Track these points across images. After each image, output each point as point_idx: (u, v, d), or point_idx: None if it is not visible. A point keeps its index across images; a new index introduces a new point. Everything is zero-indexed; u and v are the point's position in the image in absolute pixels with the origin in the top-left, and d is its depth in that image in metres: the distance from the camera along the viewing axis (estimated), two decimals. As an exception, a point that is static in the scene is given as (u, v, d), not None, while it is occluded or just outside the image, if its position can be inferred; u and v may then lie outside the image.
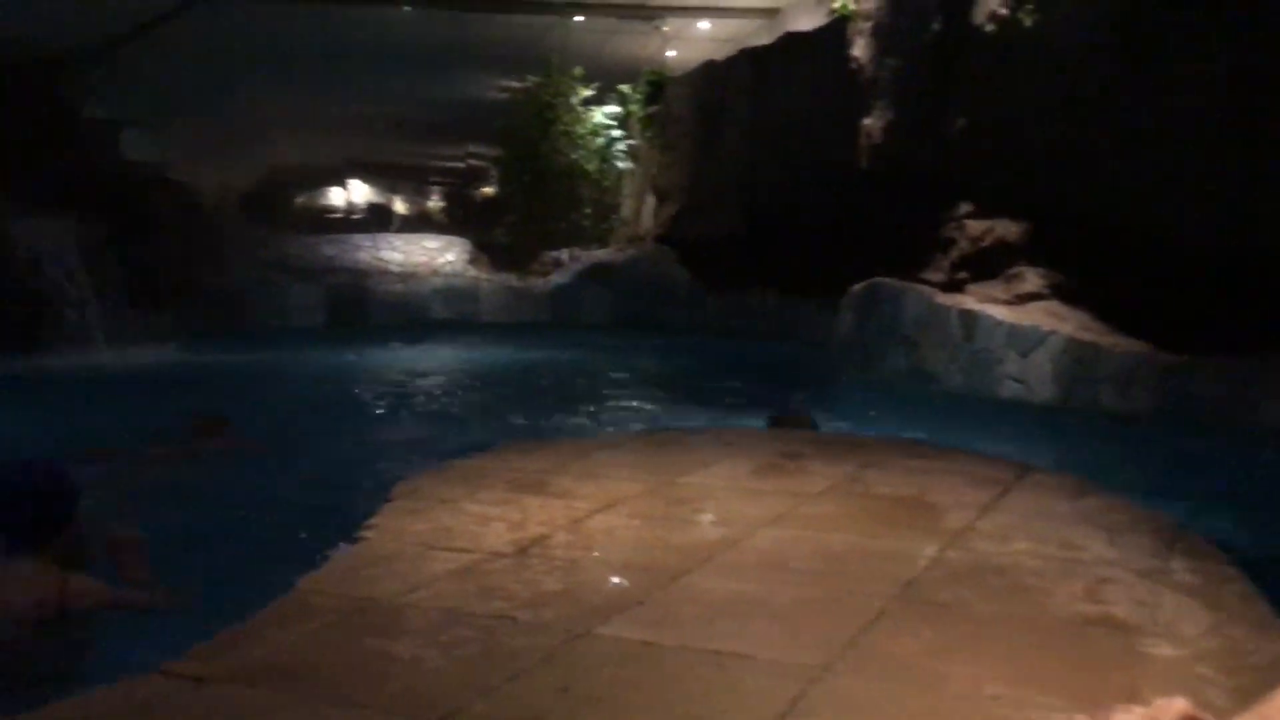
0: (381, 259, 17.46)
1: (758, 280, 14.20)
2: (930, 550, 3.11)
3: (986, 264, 9.46)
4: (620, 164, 18.28)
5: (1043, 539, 3.23)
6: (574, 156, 17.97)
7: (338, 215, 37.81)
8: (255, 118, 21.42)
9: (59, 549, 3.28)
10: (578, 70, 17.13)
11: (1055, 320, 8.58)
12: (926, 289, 9.77)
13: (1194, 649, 2.37)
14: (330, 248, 17.82)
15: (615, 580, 2.89)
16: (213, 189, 19.39)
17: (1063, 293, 8.78)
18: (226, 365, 11.91)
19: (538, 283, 17.13)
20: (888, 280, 10.17)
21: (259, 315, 15.52)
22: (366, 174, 39.72)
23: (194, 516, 4.50)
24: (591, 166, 18.10)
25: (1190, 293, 7.97)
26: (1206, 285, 7.92)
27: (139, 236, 14.01)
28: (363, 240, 18.39)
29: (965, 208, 9.87)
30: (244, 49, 15.50)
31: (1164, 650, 2.37)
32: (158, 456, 5.84)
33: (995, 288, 9.29)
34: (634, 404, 9.10)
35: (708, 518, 3.57)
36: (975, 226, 9.67)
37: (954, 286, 9.63)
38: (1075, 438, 7.40)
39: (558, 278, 17.04)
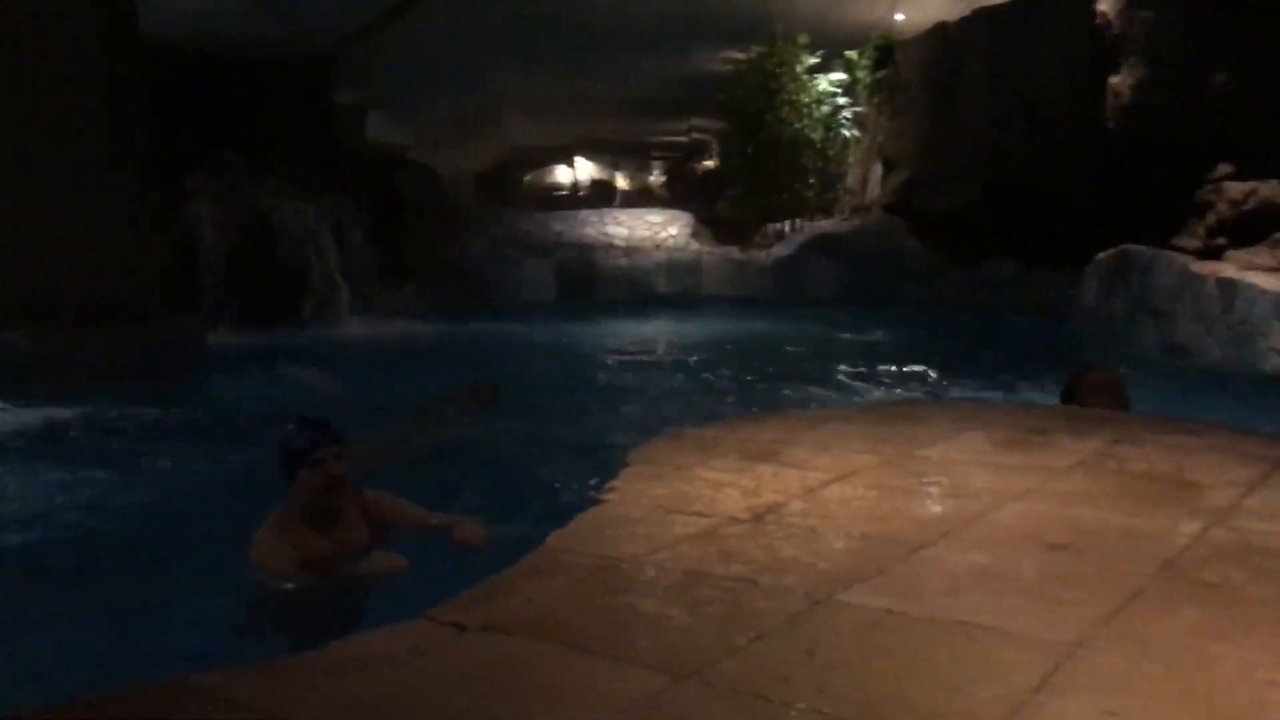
0: (607, 234, 17.83)
1: (996, 251, 13.69)
2: (1191, 528, 2.94)
3: (1248, 229, 8.81)
4: (846, 133, 17.94)
5: (1321, 521, 3.00)
6: (798, 126, 17.74)
7: (564, 193, 38.86)
8: (489, 99, 22.21)
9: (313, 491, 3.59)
10: (802, 38, 16.89)
11: (1329, 288, 7.90)
12: (1180, 256, 9.19)
13: None
14: (559, 224, 18.34)
15: (854, 549, 2.87)
16: (450, 169, 20.26)
17: (1337, 259, 8.07)
18: (468, 337, 12.49)
19: (760, 255, 17.10)
20: (1137, 248, 9.62)
21: (495, 290, 16.18)
22: (591, 151, 40.53)
23: (454, 474, 4.78)
24: (816, 136, 17.84)
25: None
26: None
27: (385, 216, 14.85)
28: (589, 216, 18.83)
29: (1224, 169, 9.20)
30: (477, 33, 16.08)
31: None
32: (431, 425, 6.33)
33: (1259, 254, 8.64)
34: (865, 378, 8.97)
35: (948, 491, 3.50)
36: (1236, 189, 9.01)
37: (1211, 253, 9.01)
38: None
39: (780, 250, 16.95)
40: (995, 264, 13.63)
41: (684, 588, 2.57)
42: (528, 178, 39.58)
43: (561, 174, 42.65)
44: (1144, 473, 3.63)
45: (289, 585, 3.58)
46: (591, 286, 16.97)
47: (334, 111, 15.70)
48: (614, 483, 3.61)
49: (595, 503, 3.39)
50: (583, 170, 42.68)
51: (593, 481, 3.85)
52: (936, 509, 3.30)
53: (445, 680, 2.13)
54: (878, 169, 17.36)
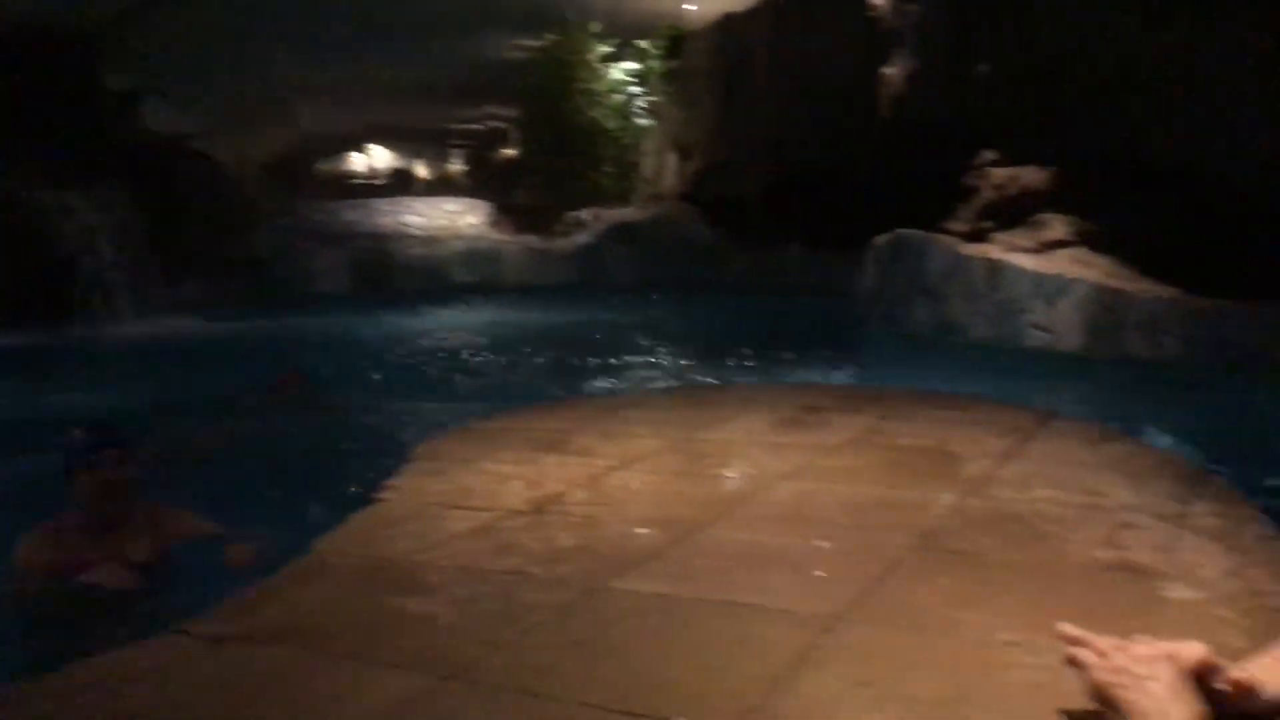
0: (403, 223, 17.49)
1: (784, 235, 14.10)
2: (949, 499, 3.09)
3: (1011, 212, 9.35)
4: (641, 121, 18.14)
5: (1063, 485, 3.20)
6: (594, 114, 17.84)
7: (359, 181, 37.87)
8: (275, 85, 21.38)
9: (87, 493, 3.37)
10: (595, 26, 16.97)
11: (1081, 267, 8.47)
12: (950, 239, 9.66)
13: (1212, 592, 2.35)
14: (351, 213, 17.87)
15: (632, 535, 2.89)
16: (235, 158, 19.42)
17: (1089, 239, 8.67)
18: (256, 333, 12.00)
19: (561, 244, 17.11)
20: (911, 231, 10.07)
21: (285, 283, 15.62)
22: (387, 139, 39.66)
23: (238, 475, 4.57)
24: (612, 124, 17.99)
25: (1221, 236, 7.84)
26: (1237, 228, 7.80)
27: (164, 207, 14.09)
28: (383, 205, 18.44)
29: (988, 156, 9.74)
30: (262, 15, 15.45)
31: (1182, 594, 2.35)
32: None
33: (1020, 236, 9.18)
34: (659, 363, 9.09)
35: (726, 472, 3.57)
36: (999, 174, 9.55)
37: (978, 236, 9.52)
38: (1102, 385, 7.33)
39: (581, 238, 17.01)
40: (783, 248, 14.06)
41: (454, 585, 2.52)
42: (322, 166, 38.40)
43: (357, 162, 41.57)
44: (909, 447, 3.80)
45: (43, 592, 3.35)
46: (388, 277, 16.59)
47: (106, 96, 14.79)
48: (393, 480, 3.52)
49: (371, 502, 3.30)
50: (379, 158, 41.72)
51: (373, 479, 3.74)
52: (713, 491, 3.35)
53: (198, 694, 2.02)
54: (672, 157, 17.63)
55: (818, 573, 2.54)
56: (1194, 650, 1.67)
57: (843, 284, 11.87)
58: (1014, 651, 2.07)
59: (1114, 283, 8.16)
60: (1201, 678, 1.66)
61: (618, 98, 17.90)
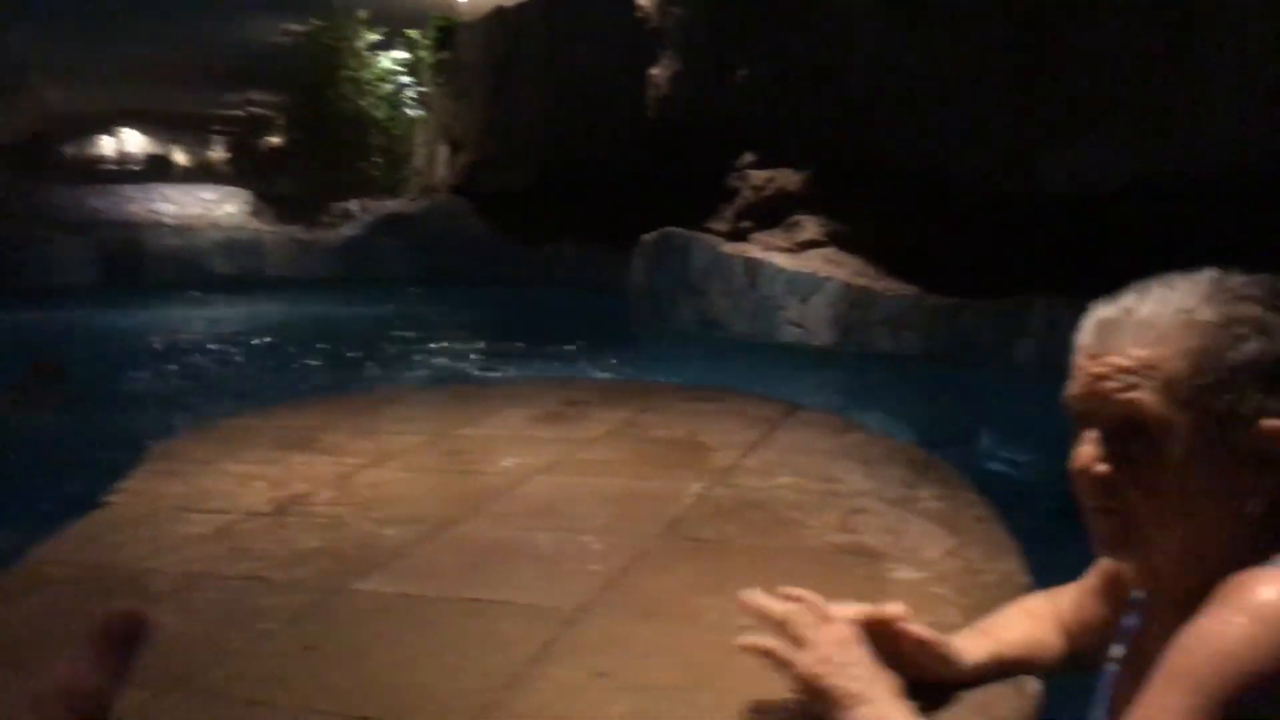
0: (154, 211, 16.52)
1: (557, 231, 14.15)
2: (696, 488, 3.16)
3: (769, 213, 9.71)
4: (411, 112, 17.81)
5: (804, 473, 3.33)
6: (362, 103, 17.39)
7: (111, 166, 35.56)
8: (13, 61, 19.77)
9: None
10: (362, 13, 16.54)
11: (832, 266, 8.89)
12: (713, 238, 9.95)
13: (933, 571, 2.49)
14: (98, 199, 16.74)
15: (378, 535, 2.82)
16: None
17: (839, 240, 9.11)
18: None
19: (327, 235, 16.59)
20: (676, 230, 10.31)
21: (21, 273, 14.48)
22: (143, 123, 37.46)
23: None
24: (380, 114, 17.59)
25: (958, 238, 8.39)
26: (976, 230, 8.36)
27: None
28: (133, 191, 17.35)
29: (748, 158, 10.08)
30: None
31: (906, 574, 2.48)
32: None
33: (777, 236, 9.55)
34: (426, 358, 8.94)
35: (481, 468, 3.53)
36: (757, 176, 9.90)
37: (739, 235, 9.84)
38: (849, 378, 7.71)
39: (348, 230, 16.54)
40: (556, 244, 14.12)
41: (182, 592, 2.38)
42: (69, 150, 35.85)
43: (108, 146, 39.03)
44: (663, 439, 3.87)
45: None
46: (139, 268, 15.65)
47: None
48: (123, 483, 3.30)
49: (98, 506, 3.08)
50: (133, 143, 39.30)
51: (104, 482, 3.50)
52: (466, 487, 3.31)
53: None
54: (444, 149, 17.39)
55: (565, 566, 2.54)
56: (890, 609, 1.77)
57: (614, 280, 12.02)
58: (742, 631, 2.12)
59: (861, 281, 8.61)
60: (900, 642, 1.76)
61: (386, 87, 17.53)
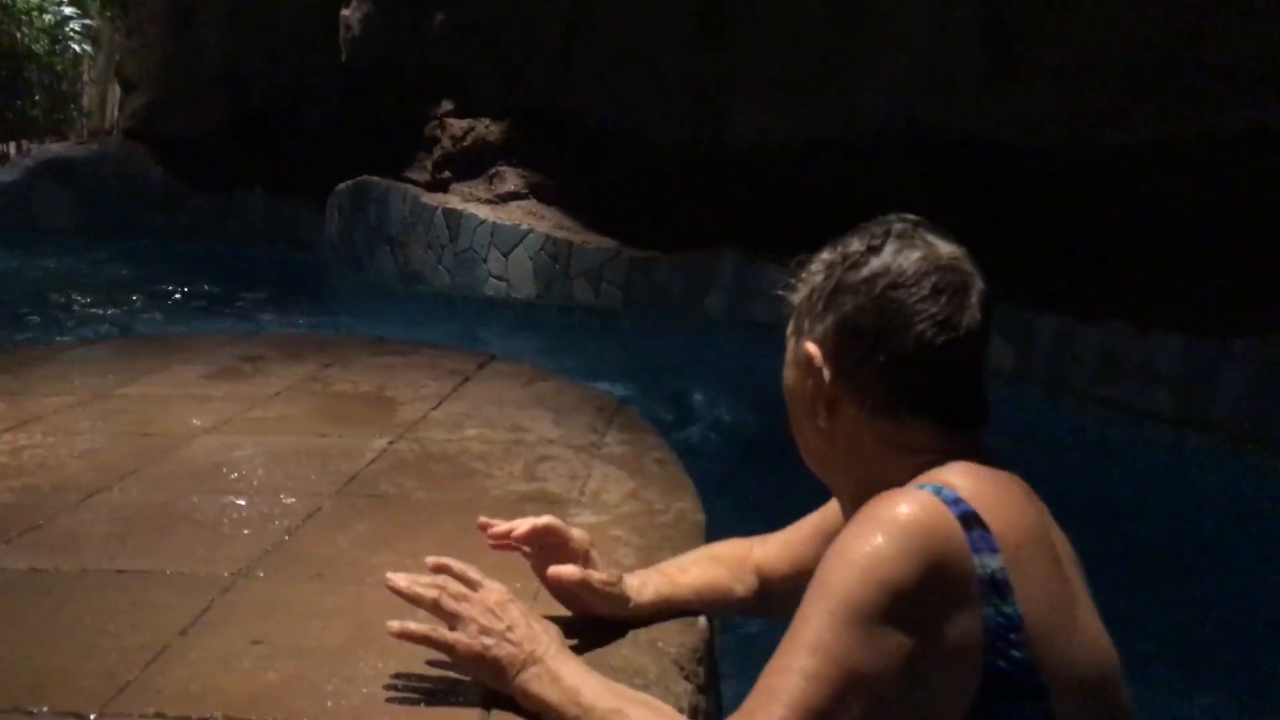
0: None
1: (245, 179, 13.35)
2: (379, 443, 3.04)
3: (469, 163, 9.55)
4: (76, 47, 16.24)
5: (493, 424, 3.28)
6: (18, 35, 15.68)
7: None
8: None
9: None
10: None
11: (534, 219, 8.87)
12: (412, 188, 9.69)
13: (613, 514, 2.50)
14: None
15: (10, 506, 2.52)
16: None
17: (540, 192, 9.09)
18: None
19: (-22, 181, 14.92)
20: (373, 179, 9.96)
21: None
22: None
23: None
24: (40, 48, 15.92)
25: (656, 191, 8.56)
26: (671, 184, 8.55)
27: None
28: None
29: (447, 106, 9.86)
30: None
31: (587, 518, 2.47)
32: None
33: (478, 187, 9.42)
34: (95, 314, 8.21)
35: (140, 429, 3.25)
36: (456, 125, 9.71)
37: (439, 186, 9.64)
38: (549, 330, 7.74)
39: (3, 175, 14.94)
40: (245, 193, 13.33)
41: None
42: None
43: None
44: (347, 393, 3.70)
45: None
46: None
47: None
48: None
49: None
50: None
51: None
52: (121, 451, 3.03)
53: None
54: (116, 89, 15.99)
55: (227, 530, 2.37)
56: (543, 519, 1.78)
57: (308, 232, 11.49)
58: (399, 622, 2.04)
59: (562, 234, 8.64)
60: (571, 586, 1.75)
61: (46, 18, 15.86)
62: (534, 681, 1.52)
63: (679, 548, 2.22)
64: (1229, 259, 5.32)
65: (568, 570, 1.77)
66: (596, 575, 1.78)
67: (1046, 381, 5.84)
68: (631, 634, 1.83)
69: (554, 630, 1.61)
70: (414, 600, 1.65)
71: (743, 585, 1.93)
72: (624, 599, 1.80)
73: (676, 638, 1.86)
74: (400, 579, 1.66)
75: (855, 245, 1.46)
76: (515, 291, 8.75)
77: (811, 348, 1.46)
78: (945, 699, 1.28)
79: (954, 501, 1.32)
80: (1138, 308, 5.51)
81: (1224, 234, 5.39)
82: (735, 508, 2.98)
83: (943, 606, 1.27)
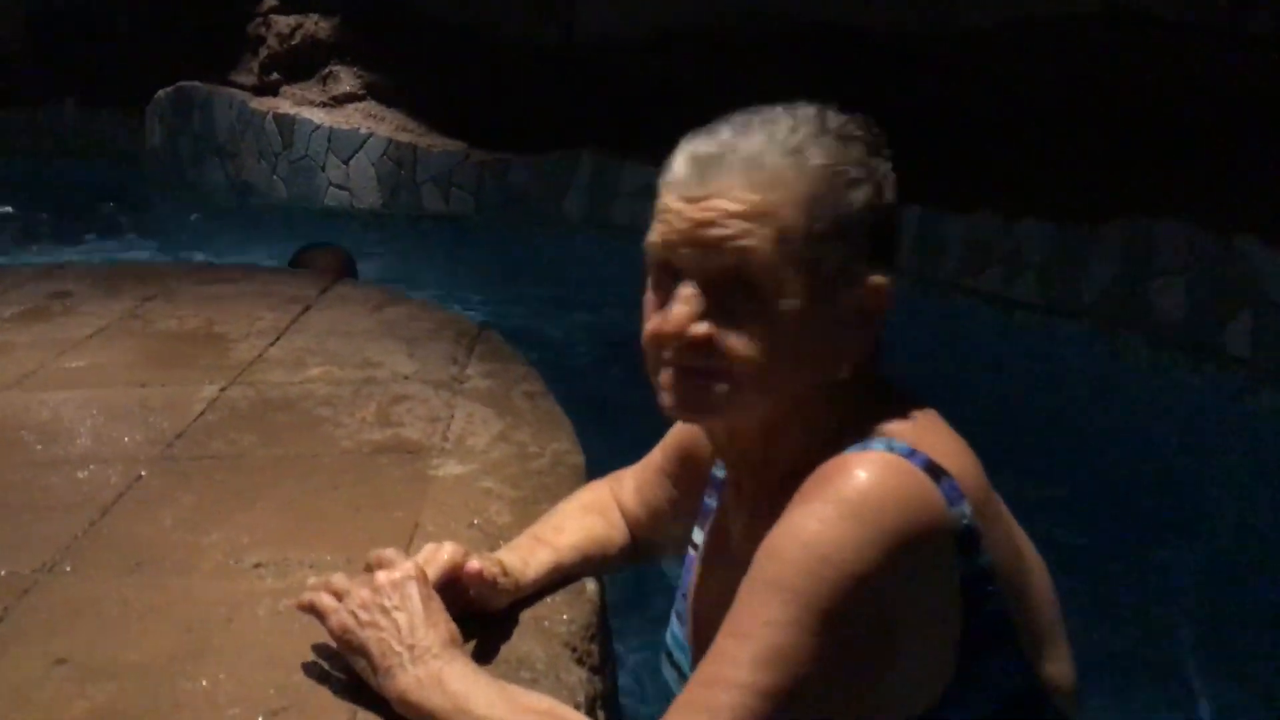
0: None
1: (54, 91, 12.28)
2: (209, 391, 2.69)
3: (299, 64, 8.91)
4: None
5: (340, 360, 2.95)
6: None
7: None
8: None
9: None
10: None
11: (374, 122, 8.36)
12: (239, 93, 9.02)
13: (481, 462, 2.24)
14: None
15: None
16: None
17: (379, 93, 8.56)
18: None
19: None
20: (195, 84, 9.23)
21: None
22: None
23: None
24: None
25: (503, 90, 8.13)
26: (518, 82, 8.13)
27: None
28: None
29: (271, 3, 9.14)
30: None
31: (452, 469, 2.21)
32: None
33: (311, 89, 8.82)
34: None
35: (-75, 389, 2.81)
36: (282, 23, 9.02)
37: (268, 90, 8.98)
38: (399, 243, 7.33)
39: None
40: (54, 105, 12.26)
41: None
42: None
43: None
44: (172, 332, 3.31)
45: None
46: None
47: None
48: None
49: None
50: None
51: None
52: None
53: None
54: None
55: (27, 514, 2.02)
56: (444, 555, 1.48)
57: (128, 145, 10.67)
58: (263, 577, 1.77)
59: (406, 138, 8.16)
60: (457, 582, 1.48)
61: None
62: (412, 686, 1.28)
63: (558, 497, 1.97)
64: (1094, 142, 5.28)
65: (476, 565, 1.49)
66: (488, 568, 1.53)
67: (912, 274, 5.76)
68: (516, 616, 1.59)
69: (452, 628, 1.36)
70: (314, 609, 1.44)
71: (619, 532, 1.73)
72: (511, 585, 1.55)
73: (565, 613, 1.63)
74: (312, 597, 1.45)
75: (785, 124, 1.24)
76: (358, 201, 8.26)
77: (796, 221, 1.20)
78: (924, 671, 1.17)
79: (910, 454, 1.16)
80: (1004, 196, 5.45)
81: (1087, 116, 5.34)
82: (615, 435, 2.74)
83: (923, 583, 1.14)
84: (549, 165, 7.86)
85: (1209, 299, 4.76)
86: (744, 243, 1.18)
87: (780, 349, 1.20)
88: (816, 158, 1.21)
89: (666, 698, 1.56)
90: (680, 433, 1.67)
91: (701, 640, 1.42)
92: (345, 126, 8.27)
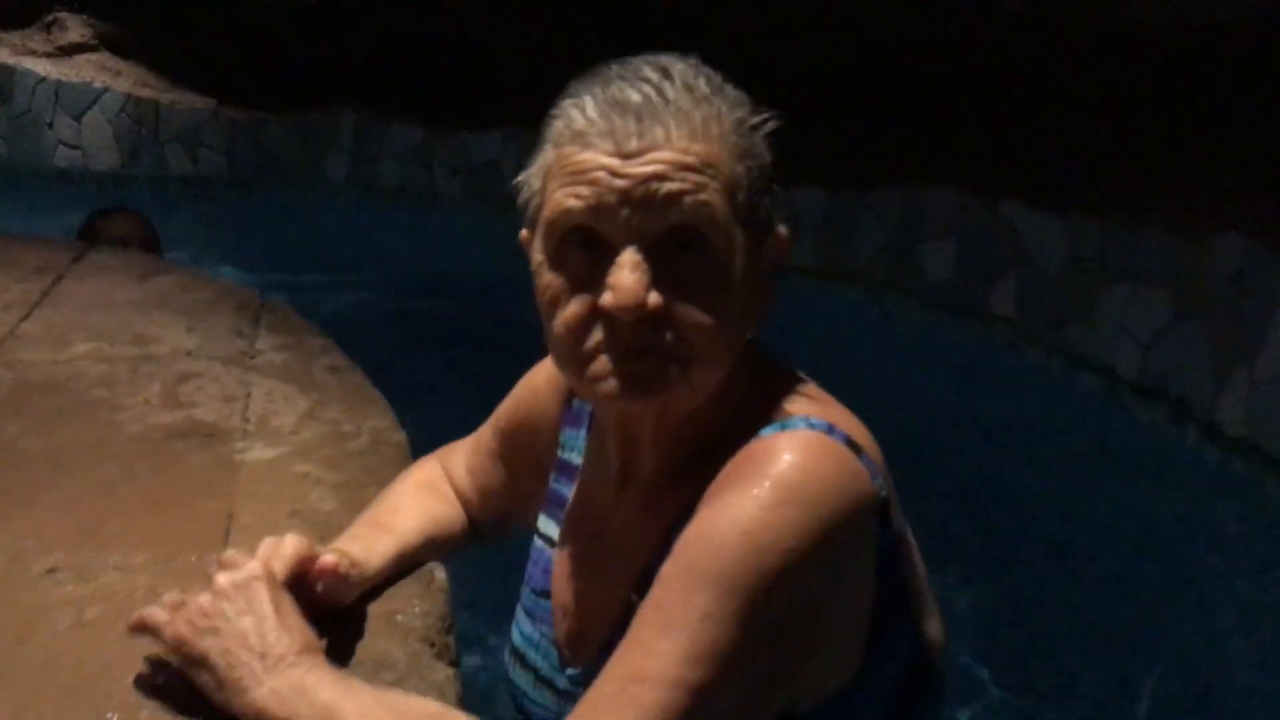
0: None
1: None
2: (-44, 375, 2.36)
3: (16, 9, 8.07)
4: None
5: (109, 336, 2.67)
6: None
7: None
8: None
9: None
10: None
11: (109, 75, 7.70)
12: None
13: (292, 444, 2.06)
14: None
15: None
16: None
17: (113, 44, 7.87)
18: None
19: None
20: (-111, 28, 8.18)
21: None
22: None
23: None
24: None
25: (256, 44, 7.63)
26: (272, 36, 7.66)
27: None
28: None
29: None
30: None
31: (260, 453, 2.03)
32: None
33: (33, 38, 8.00)
34: None
35: None
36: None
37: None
38: (140, 206, 6.76)
39: None
40: None
41: None
42: None
43: None
44: (-102, 309, 2.90)
45: None
46: None
47: None
48: None
49: None
50: None
51: None
52: None
53: None
54: None
55: None
56: (289, 549, 1.32)
57: None
58: (59, 583, 1.55)
59: (146, 93, 7.55)
60: (304, 578, 1.33)
61: None
62: (270, 700, 1.12)
63: (384, 480, 1.83)
64: (865, 111, 5.45)
65: (330, 560, 1.34)
66: (341, 561, 1.37)
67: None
68: (365, 611, 1.45)
69: (307, 631, 1.21)
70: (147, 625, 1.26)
71: (458, 511, 1.62)
72: (357, 578, 1.41)
73: (416, 605, 1.50)
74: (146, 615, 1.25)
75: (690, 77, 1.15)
76: (93, 162, 7.57)
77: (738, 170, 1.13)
78: (844, 648, 1.14)
79: (829, 431, 1.12)
80: (782, 161, 5.54)
81: (858, 86, 5.51)
82: (424, 409, 2.62)
83: (855, 562, 1.11)
84: (308, 124, 7.45)
85: (975, 261, 5.04)
86: (700, 197, 1.08)
87: (730, 315, 1.12)
88: (730, 107, 1.14)
89: (517, 702, 1.48)
90: (512, 412, 1.57)
91: (575, 637, 1.33)
92: (75, 79, 7.55)
